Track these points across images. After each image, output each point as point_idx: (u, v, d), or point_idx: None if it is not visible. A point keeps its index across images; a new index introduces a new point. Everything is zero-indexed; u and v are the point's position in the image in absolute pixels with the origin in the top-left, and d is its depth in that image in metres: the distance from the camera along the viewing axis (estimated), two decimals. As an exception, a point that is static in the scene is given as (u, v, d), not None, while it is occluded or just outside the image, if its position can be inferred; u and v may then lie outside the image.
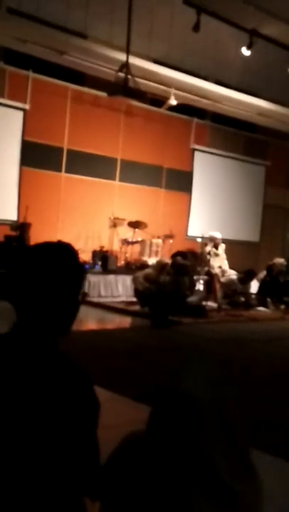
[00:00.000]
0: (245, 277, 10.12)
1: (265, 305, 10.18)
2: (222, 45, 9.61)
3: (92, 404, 1.24)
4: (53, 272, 1.23)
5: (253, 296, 10.37)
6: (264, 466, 1.20)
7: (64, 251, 1.27)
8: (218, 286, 9.82)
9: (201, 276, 9.95)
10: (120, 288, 10.04)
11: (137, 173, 11.68)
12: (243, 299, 10.11)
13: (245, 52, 8.32)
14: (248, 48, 8.26)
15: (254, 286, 10.52)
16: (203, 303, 9.31)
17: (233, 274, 10.25)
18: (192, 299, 9.15)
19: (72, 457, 1.17)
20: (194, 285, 9.54)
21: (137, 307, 8.79)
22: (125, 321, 8.39)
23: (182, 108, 11.61)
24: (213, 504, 0.93)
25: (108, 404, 4.51)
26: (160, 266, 9.05)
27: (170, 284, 8.79)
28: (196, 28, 7.67)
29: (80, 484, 1.18)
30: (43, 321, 1.23)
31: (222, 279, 9.89)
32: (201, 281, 9.91)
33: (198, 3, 7.47)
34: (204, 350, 6.34)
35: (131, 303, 9.10)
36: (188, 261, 9.91)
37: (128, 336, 7.35)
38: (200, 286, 9.89)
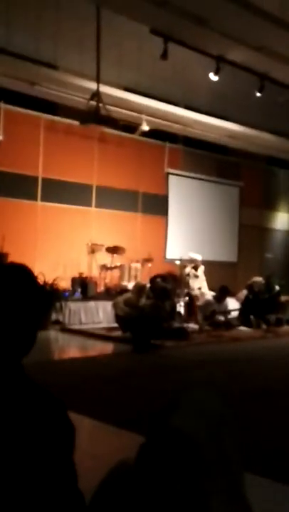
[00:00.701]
0: (220, 295, 10.18)
1: (249, 323, 10.22)
2: (190, 71, 9.83)
3: (64, 428, 1.18)
4: (7, 294, 1.18)
5: (236, 315, 10.41)
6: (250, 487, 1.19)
7: (18, 272, 1.23)
8: (197, 308, 9.85)
9: (181, 299, 9.97)
10: (101, 314, 10.00)
11: (113, 198, 11.76)
12: (222, 318, 10.15)
13: (213, 77, 8.52)
14: (216, 73, 8.46)
15: (232, 304, 10.56)
16: (185, 325, 9.31)
17: (209, 295, 10.30)
18: (174, 322, 9.16)
19: (48, 483, 1.12)
20: (175, 308, 9.56)
21: (118, 333, 8.75)
22: (107, 347, 8.34)
23: (155, 133, 11.79)
24: None
25: (92, 432, 4.48)
26: (138, 289, 9.06)
27: (150, 308, 8.79)
28: (164, 56, 7.84)
29: (58, 509, 1.12)
30: (3, 346, 1.18)
31: (198, 302, 9.93)
32: (182, 304, 9.94)
33: (165, 32, 7.66)
34: (187, 373, 6.33)
35: (112, 329, 9.06)
36: (168, 283, 9.95)
37: (110, 362, 7.30)
38: (180, 308, 9.91)
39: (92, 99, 8.83)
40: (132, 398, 5.14)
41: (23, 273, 1.24)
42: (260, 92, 9.03)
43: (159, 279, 9.86)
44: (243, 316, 10.35)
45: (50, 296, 8.97)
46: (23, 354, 1.21)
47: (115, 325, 9.01)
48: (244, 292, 10.81)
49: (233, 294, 10.90)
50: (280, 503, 2.83)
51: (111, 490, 1.06)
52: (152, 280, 10.01)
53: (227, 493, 0.93)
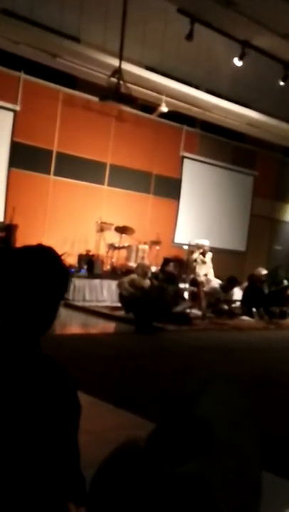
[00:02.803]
0: (228, 285, 10.16)
1: (250, 314, 10.21)
2: (214, 55, 9.67)
3: (74, 407, 1.24)
4: (37, 275, 1.22)
5: (238, 305, 10.40)
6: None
7: (47, 255, 1.27)
8: (202, 294, 9.84)
9: (187, 284, 9.96)
10: (105, 293, 10.01)
11: (126, 178, 11.69)
12: (226, 306, 10.15)
13: (237, 62, 8.38)
14: (240, 58, 8.32)
15: (238, 294, 10.56)
16: (188, 310, 9.32)
17: (215, 283, 10.28)
18: (178, 307, 9.16)
19: (54, 460, 1.16)
20: (180, 293, 9.56)
21: (121, 312, 8.77)
22: (109, 326, 8.36)
23: (173, 115, 11.66)
24: None
25: (89, 409, 4.49)
26: (142, 270, 9.04)
27: (156, 291, 8.79)
28: (190, 37, 7.71)
29: (62, 487, 1.17)
30: (26, 324, 1.22)
31: (205, 289, 9.91)
32: (187, 289, 9.93)
33: (192, 12, 7.52)
34: (187, 359, 6.34)
35: (115, 308, 9.08)
36: (176, 268, 9.95)
37: (112, 341, 7.33)
38: (185, 293, 9.90)
39: (113, 75, 8.73)
40: (131, 378, 5.16)
41: (51, 255, 1.27)
42: (283, 81, 8.89)
43: (171, 264, 9.85)
44: (245, 306, 10.33)
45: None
46: (43, 332, 1.25)
47: (119, 304, 9.03)
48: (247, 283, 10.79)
49: (239, 284, 10.87)
50: (281, 498, 2.83)
51: (117, 468, 1.05)
52: (163, 263, 10.00)
53: (235, 486, 0.92)
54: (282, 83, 8.90)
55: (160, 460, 0.95)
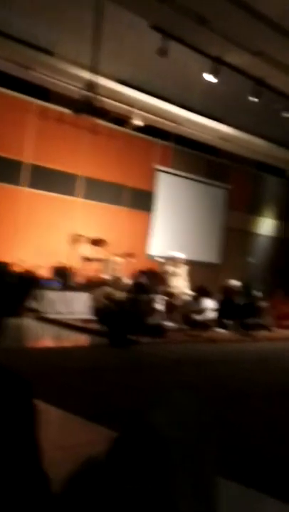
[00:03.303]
0: (198, 295, 10.21)
1: (224, 326, 10.27)
2: (187, 70, 9.79)
3: (26, 408, 1.19)
4: None
5: (213, 317, 10.45)
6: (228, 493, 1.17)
7: None
8: (176, 306, 9.86)
9: (161, 296, 9.98)
10: (79, 305, 9.95)
11: (100, 190, 11.70)
12: (199, 317, 10.17)
13: (209, 78, 8.51)
14: (212, 74, 8.45)
15: (209, 305, 10.59)
16: (162, 323, 9.32)
17: (188, 295, 10.34)
18: (152, 319, 9.16)
19: (7, 463, 1.11)
20: (153, 305, 9.56)
21: (95, 325, 8.72)
22: (83, 339, 8.29)
23: (147, 129, 11.75)
24: None
25: (62, 424, 4.43)
26: (119, 284, 9.04)
27: (129, 303, 8.78)
28: (163, 52, 7.80)
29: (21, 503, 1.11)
30: None
31: (177, 302, 9.95)
32: (161, 301, 9.94)
33: (165, 28, 7.62)
34: (161, 372, 6.32)
35: (89, 321, 9.02)
36: (150, 281, 9.96)
37: (85, 354, 7.27)
38: (159, 306, 9.91)
39: (86, 89, 8.75)
40: (104, 392, 5.12)
41: None
42: (254, 97, 9.05)
43: (143, 276, 9.86)
44: (219, 318, 10.39)
45: (26, 283, 8.90)
46: None
47: (92, 317, 8.97)
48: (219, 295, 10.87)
49: (212, 296, 10.93)
50: (251, 509, 2.83)
51: (79, 485, 1.04)
52: (136, 276, 10.01)
53: (195, 493, 0.93)
54: (255, 99, 9.05)
55: (119, 469, 0.95)
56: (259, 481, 3.18)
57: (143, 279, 9.90)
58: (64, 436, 3.93)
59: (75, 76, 9.27)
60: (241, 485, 2.96)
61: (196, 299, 10.20)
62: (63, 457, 3.33)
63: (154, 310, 9.53)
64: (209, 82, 8.66)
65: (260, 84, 8.99)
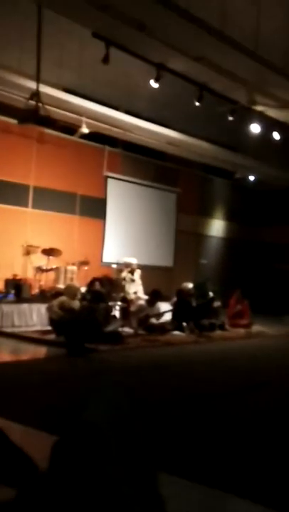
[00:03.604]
0: (152, 299, 10.29)
1: (180, 329, 10.37)
2: (131, 77, 9.86)
3: None
4: None
5: (168, 320, 10.53)
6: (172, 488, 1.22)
7: None
8: (132, 312, 9.90)
9: (117, 303, 9.99)
10: (35, 317, 9.83)
11: (50, 200, 11.61)
12: (155, 321, 10.24)
13: (154, 84, 8.61)
14: (156, 80, 8.55)
15: (164, 307, 10.68)
16: (120, 329, 9.33)
17: (143, 300, 10.39)
18: (109, 326, 9.16)
19: None
20: (110, 312, 9.56)
21: (52, 336, 8.63)
22: (40, 351, 8.19)
23: (94, 136, 11.76)
24: None
25: (23, 439, 4.37)
26: (71, 291, 9.00)
27: (85, 312, 8.74)
28: (106, 60, 7.83)
29: None
30: None
31: (131, 307, 9.98)
32: (117, 308, 9.96)
33: (106, 36, 7.66)
34: (118, 377, 6.32)
35: (46, 332, 8.93)
36: (105, 287, 9.95)
37: (43, 366, 7.18)
38: (116, 312, 9.91)
39: (31, 98, 8.68)
40: (64, 404, 5.08)
41: None
42: (198, 101, 9.20)
43: (97, 283, 9.84)
44: (175, 321, 10.49)
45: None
46: None
47: (49, 328, 8.88)
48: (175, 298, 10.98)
49: (167, 299, 11.03)
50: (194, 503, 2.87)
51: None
52: (90, 283, 9.97)
53: (137, 482, 0.97)
54: (197, 104, 9.21)
55: (63, 467, 0.98)
56: (219, 479, 3.24)
57: (98, 287, 9.88)
58: (26, 451, 3.89)
59: (19, 85, 9.17)
60: (195, 483, 3.00)
61: (151, 302, 10.27)
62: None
63: (111, 317, 9.53)
64: (154, 88, 8.74)
65: (203, 89, 9.15)
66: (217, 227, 16.37)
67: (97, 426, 0.97)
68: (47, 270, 10.74)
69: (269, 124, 10.78)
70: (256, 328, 11.54)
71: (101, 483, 0.92)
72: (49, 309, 8.89)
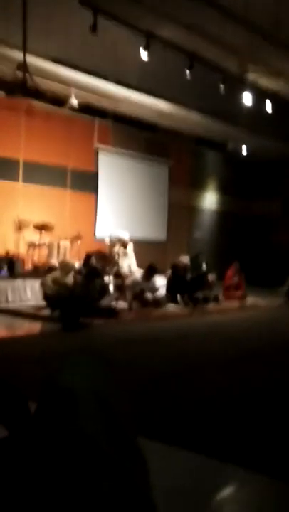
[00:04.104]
0: (147, 273, 10.27)
1: (175, 302, 10.38)
2: (121, 46, 9.64)
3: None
4: None
5: (163, 294, 10.54)
6: (154, 453, 1.23)
7: None
8: (126, 286, 9.88)
9: (111, 277, 9.96)
10: (29, 293, 9.80)
11: (41, 174, 11.47)
12: (150, 295, 10.25)
13: (143, 53, 8.42)
14: (145, 49, 8.36)
15: (159, 282, 10.68)
16: (114, 303, 9.33)
17: (137, 274, 10.37)
18: (104, 300, 9.15)
19: None
20: (105, 287, 9.56)
21: (47, 311, 8.62)
22: (35, 327, 8.19)
23: (84, 108, 11.55)
24: (106, 483, 0.93)
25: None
26: (65, 267, 8.95)
27: (80, 287, 8.72)
28: (94, 29, 7.64)
29: None
30: None
31: (126, 282, 9.96)
32: (112, 283, 9.94)
33: (94, 4, 7.45)
34: (116, 352, 6.35)
35: (41, 307, 8.92)
36: (99, 262, 9.91)
37: (38, 341, 7.19)
38: (110, 287, 9.90)
39: (18, 69, 8.48)
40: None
41: None
42: (189, 69, 9.04)
43: (93, 258, 9.80)
44: (170, 294, 10.50)
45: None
46: None
47: (43, 304, 8.87)
48: (170, 272, 10.97)
49: (161, 272, 11.02)
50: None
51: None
52: (86, 258, 9.93)
53: (115, 439, 0.98)
54: (188, 73, 9.04)
55: (42, 436, 0.98)
56: (213, 448, 3.26)
57: (91, 261, 9.84)
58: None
59: (6, 56, 8.94)
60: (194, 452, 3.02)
61: (146, 277, 10.25)
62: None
63: (105, 292, 9.52)
64: (145, 58, 8.57)
65: (193, 58, 8.98)
66: (209, 199, 16.28)
67: (71, 389, 0.98)
68: (39, 245, 10.68)
69: (261, 94, 10.64)
70: (250, 300, 11.59)
71: (80, 443, 0.92)
72: (43, 285, 8.86)
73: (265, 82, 9.93)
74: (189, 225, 15.45)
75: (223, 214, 16.54)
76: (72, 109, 10.98)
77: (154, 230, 14.09)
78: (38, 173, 11.41)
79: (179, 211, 14.90)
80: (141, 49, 8.44)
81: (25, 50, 8.34)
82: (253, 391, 4.80)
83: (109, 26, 8.02)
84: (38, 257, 10.76)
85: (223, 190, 16.54)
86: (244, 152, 15.54)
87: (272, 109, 11.16)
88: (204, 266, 11.60)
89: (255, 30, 7.92)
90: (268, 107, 11.05)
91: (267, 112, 11.19)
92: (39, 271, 10.20)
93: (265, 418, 3.99)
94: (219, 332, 8.27)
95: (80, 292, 8.45)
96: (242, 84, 10.28)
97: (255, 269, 14.12)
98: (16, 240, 10.53)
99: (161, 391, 4.70)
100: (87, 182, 12.48)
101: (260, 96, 10.69)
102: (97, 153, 12.76)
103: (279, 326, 9.12)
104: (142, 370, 5.43)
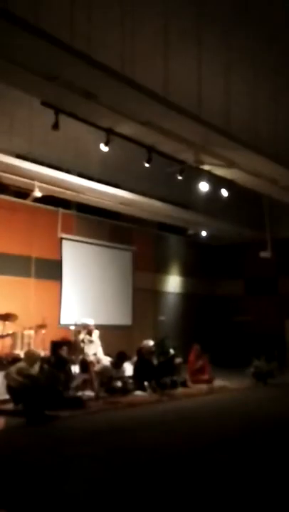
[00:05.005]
0: (118, 361, 10.16)
1: (142, 388, 10.20)
2: (82, 141, 10.11)
3: None
4: None
5: (130, 380, 10.37)
6: None
7: None
8: (94, 374, 9.69)
9: (77, 366, 9.79)
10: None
11: (4, 263, 11.49)
12: (119, 383, 10.07)
13: (104, 148, 8.85)
14: (106, 144, 8.80)
15: (129, 369, 10.56)
16: (80, 393, 9.10)
17: (106, 361, 10.23)
18: (70, 391, 8.94)
19: None
20: (71, 376, 9.37)
21: (10, 405, 8.31)
22: (-2, 422, 7.85)
23: (48, 199, 11.85)
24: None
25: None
26: (30, 357, 8.77)
27: (46, 377, 8.52)
28: (56, 126, 8.02)
29: None
30: None
31: (95, 368, 9.80)
32: (77, 371, 9.75)
33: (55, 104, 7.89)
34: (82, 446, 6.14)
35: (4, 401, 8.59)
36: (65, 351, 9.78)
37: (0, 437, 6.87)
38: (77, 376, 9.70)
39: (-18, 165, 8.75)
40: (22, 478, 4.85)
41: None
42: (148, 162, 9.49)
43: (65, 348, 9.68)
44: (137, 381, 10.33)
45: None
46: None
47: (7, 397, 8.56)
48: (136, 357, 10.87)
49: (128, 358, 10.90)
50: None
51: None
52: (55, 346, 9.79)
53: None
54: (147, 165, 9.50)
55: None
56: None
57: (62, 351, 9.70)
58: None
59: None
60: None
61: (117, 365, 10.14)
62: None
63: (72, 381, 9.31)
64: (105, 151, 8.98)
65: (151, 151, 9.45)
66: (173, 283, 16.51)
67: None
68: (3, 336, 10.48)
69: (217, 182, 11.18)
70: (218, 382, 11.49)
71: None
72: (7, 376, 8.59)
73: (221, 171, 10.48)
74: (154, 309, 15.52)
75: (187, 296, 16.72)
76: (36, 200, 11.27)
77: (119, 316, 14.07)
78: (2, 263, 11.43)
79: (144, 295, 15.01)
80: (101, 144, 8.85)
81: (-11, 147, 8.65)
82: (220, 481, 4.67)
83: (70, 123, 8.45)
84: (2, 347, 10.52)
85: (186, 273, 16.84)
86: (204, 236, 16.05)
87: (229, 196, 11.70)
88: (171, 350, 11.54)
89: (208, 126, 8.47)
90: (224, 193, 11.58)
91: (224, 199, 11.71)
92: (3, 362, 9.93)
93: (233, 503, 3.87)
94: (188, 418, 8.12)
95: (45, 382, 8.24)
96: (199, 174, 10.81)
97: (220, 350, 14.12)
98: (-21, 331, 10.33)
99: (128, 482, 4.53)
100: (51, 270, 12.54)
101: (216, 184, 11.23)
102: (61, 241, 12.94)
103: (247, 409, 9.03)
104: (105, 463, 5.25)
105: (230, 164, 9.89)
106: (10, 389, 8.47)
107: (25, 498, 4.22)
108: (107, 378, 9.95)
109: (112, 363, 10.17)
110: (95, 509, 3.98)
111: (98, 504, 4.06)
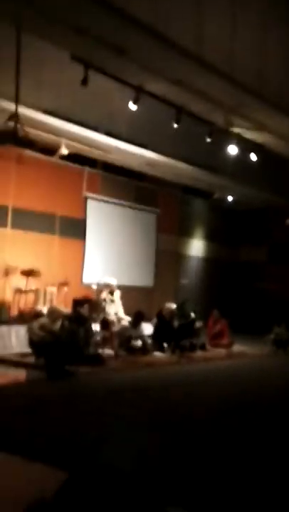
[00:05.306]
0: (135, 320, 10.25)
1: (162, 350, 10.32)
2: (111, 99, 9.94)
3: None
4: None
5: (149, 341, 10.48)
6: None
7: None
8: (113, 333, 9.82)
9: (98, 324, 9.92)
10: (14, 339, 9.69)
11: (29, 220, 11.55)
12: (139, 342, 10.18)
13: (132, 106, 8.70)
14: (135, 102, 8.64)
15: (147, 329, 10.65)
16: (100, 351, 9.25)
17: (125, 321, 10.34)
18: (90, 348, 9.08)
19: None
20: (91, 334, 9.50)
21: (32, 359, 8.51)
22: (19, 374, 8.05)
23: (74, 157, 11.78)
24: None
25: (2, 465, 4.28)
26: (52, 313, 8.90)
27: (67, 333, 8.66)
28: (84, 82, 7.90)
29: None
30: None
31: (114, 329, 9.91)
32: (98, 329, 9.88)
33: (85, 59, 7.73)
34: (101, 402, 6.26)
35: (26, 354, 8.80)
36: (86, 309, 9.88)
37: (21, 390, 7.05)
38: (97, 334, 9.84)
39: (10, 119, 8.67)
40: (43, 429, 4.98)
41: None
42: (177, 123, 9.32)
43: (86, 305, 9.76)
44: (156, 342, 10.44)
45: None
46: None
47: (29, 351, 8.76)
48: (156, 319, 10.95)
49: (148, 319, 10.99)
50: None
51: None
52: (76, 304, 9.90)
53: None
54: (175, 125, 9.33)
55: (72, 508, 0.99)
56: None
57: (83, 308, 9.81)
58: (3, 478, 3.80)
59: (-2, 107, 9.16)
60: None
61: (135, 324, 10.22)
62: (3, 499, 3.22)
63: (92, 339, 9.45)
64: (133, 110, 8.83)
65: (181, 111, 9.27)
66: (196, 246, 16.44)
67: (116, 471, 0.98)
68: (26, 292, 10.64)
69: (246, 145, 10.95)
70: (237, 347, 11.55)
71: None
72: (29, 330, 8.77)
73: (250, 134, 10.25)
74: (176, 272, 15.53)
75: (210, 261, 16.68)
76: (62, 157, 11.21)
77: (141, 277, 14.13)
78: (27, 220, 11.49)
79: (167, 258, 15.01)
80: (130, 102, 8.70)
81: (17, 101, 8.55)
82: (239, 444, 4.74)
83: (99, 79, 8.29)
84: (25, 303, 10.70)
85: (210, 238, 16.74)
86: (230, 200, 15.85)
87: (257, 160, 11.47)
88: (192, 314, 11.59)
89: (239, 86, 8.24)
90: (253, 158, 11.35)
91: (252, 163, 11.49)
92: (25, 317, 10.12)
93: (251, 471, 3.93)
94: (205, 382, 8.19)
95: (65, 339, 8.38)
96: (228, 137, 10.59)
97: (241, 316, 14.14)
98: (2, 285, 10.50)
99: (149, 442, 4.62)
100: (75, 229, 12.58)
101: (245, 147, 11.00)
102: (86, 200, 12.93)
103: (266, 375, 9.08)
104: (128, 420, 5.35)
105: (260, 127, 9.65)
106: (32, 342, 8.65)
107: (44, 448, 4.34)
108: (126, 337, 10.07)
109: (130, 323, 10.27)
110: (114, 464, 4.08)
111: (117, 460, 4.15)
